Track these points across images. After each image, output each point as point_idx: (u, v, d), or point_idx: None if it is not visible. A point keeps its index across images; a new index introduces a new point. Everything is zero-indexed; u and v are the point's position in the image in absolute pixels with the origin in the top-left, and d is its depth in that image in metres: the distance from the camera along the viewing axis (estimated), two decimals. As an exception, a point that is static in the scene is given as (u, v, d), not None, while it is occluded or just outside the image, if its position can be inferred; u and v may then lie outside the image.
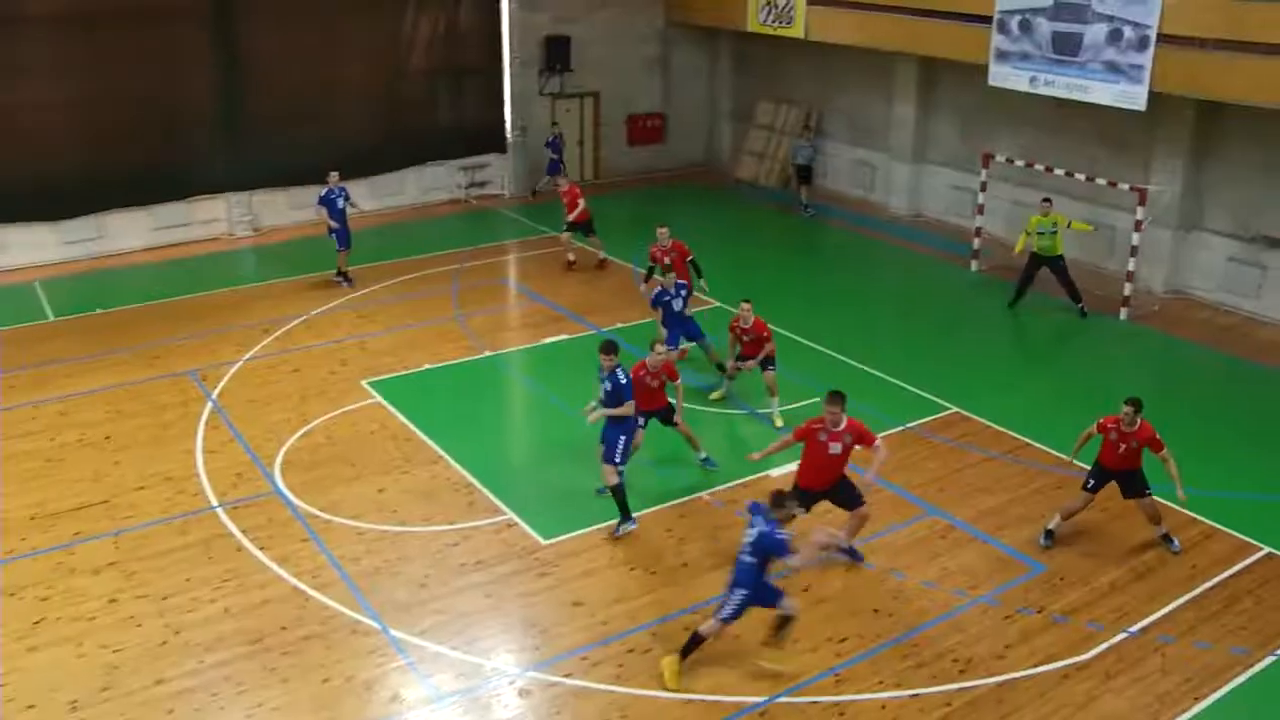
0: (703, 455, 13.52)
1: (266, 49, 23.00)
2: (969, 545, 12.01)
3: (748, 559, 9.73)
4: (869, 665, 10.14)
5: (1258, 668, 10.17)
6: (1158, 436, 11.55)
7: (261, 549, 11.82)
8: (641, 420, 12.70)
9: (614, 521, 12.19)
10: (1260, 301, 19.06)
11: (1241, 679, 10.02)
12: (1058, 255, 18.83)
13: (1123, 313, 18.96)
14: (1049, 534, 12.06)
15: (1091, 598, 11.14)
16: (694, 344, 15.89)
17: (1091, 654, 10.30)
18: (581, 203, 20.90)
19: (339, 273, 20.02)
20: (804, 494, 11.11)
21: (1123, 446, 11.63)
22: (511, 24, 25.90)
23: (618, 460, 12.05)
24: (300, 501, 12.75)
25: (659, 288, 15.61)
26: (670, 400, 13.06)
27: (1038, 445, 14.18)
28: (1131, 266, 18.91)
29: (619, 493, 12.08)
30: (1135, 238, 18.71)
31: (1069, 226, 18.81)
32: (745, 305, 14.60)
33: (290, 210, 24.10)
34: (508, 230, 24.11)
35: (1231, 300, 19.44)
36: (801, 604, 10.82)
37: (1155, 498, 11.91)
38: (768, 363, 14.65)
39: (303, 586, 11.18)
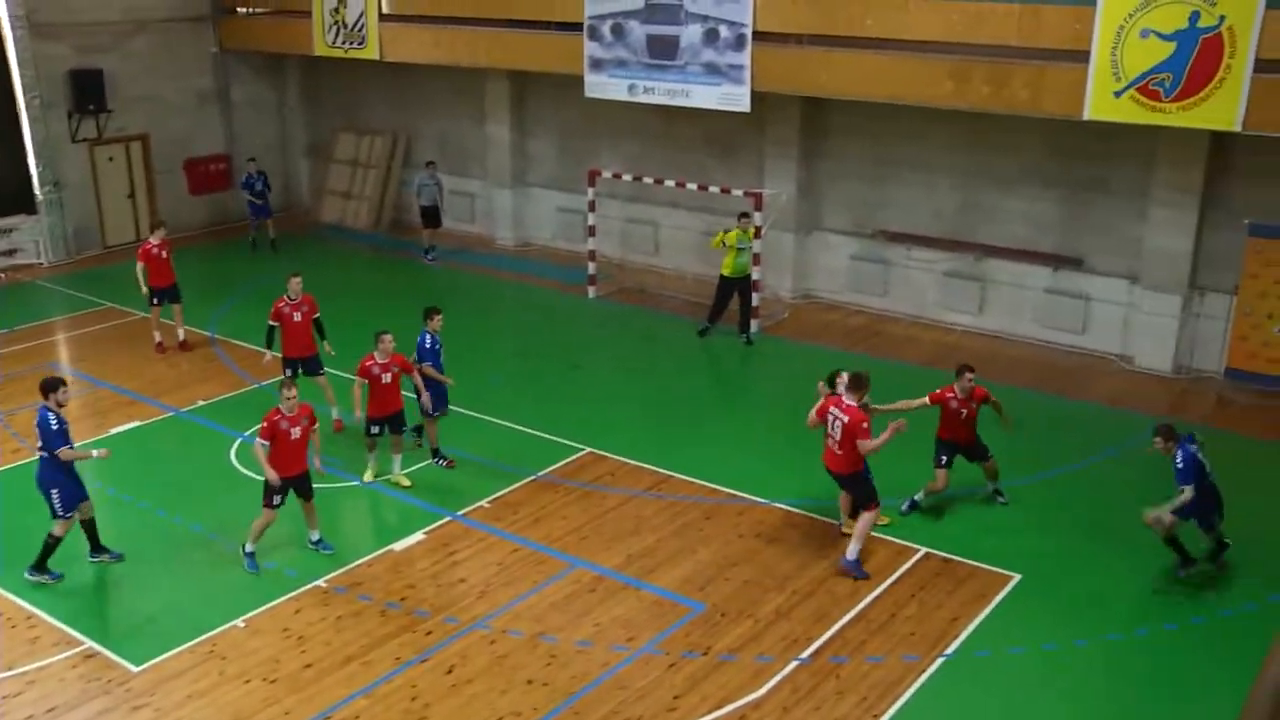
0: (316, 537, 13.08)
1: None
2: (621, 594, 12.21)
3: None
4: (533, 744, 10.04)
5: (930, 671, 10.95)
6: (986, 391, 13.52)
7: None
8: (278, 498, 12.58)
9: (216, 631, 11.50)
10: (888, 298, 20.81)
11: (916, 686, 10.74)
12: (747, 275, 19.52)
13: (754, 325, 20.06)
14: (914, 504, 13.69)
15: (757, 630, 11.60)
16: None
17: (765, 689, 10.70)
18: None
19: None
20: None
21: (964, 412, 13.45)
22: (21, 57, 24.03)
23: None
24: None
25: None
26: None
27: (679, 476, 14.71)
28: (756, 275, 20.07)
29: None
30: (757, 244, 19.89)
31: (756, 236, 19.48)
32: (386, 337, 14.38)
33: None
34: (51, 305, 22.29)
35: (860, 299, 21.11)
36: (444, 689, 10.64)
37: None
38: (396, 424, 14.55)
39: None
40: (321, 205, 28.27)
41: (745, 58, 18.88)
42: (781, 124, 20.88)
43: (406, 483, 14.47)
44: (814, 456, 13.20)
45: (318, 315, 16.18)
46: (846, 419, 12.27)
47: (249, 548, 12.75)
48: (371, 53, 24.08)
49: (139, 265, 19.04)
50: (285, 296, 15.97)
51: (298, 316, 15.95)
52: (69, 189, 25.10)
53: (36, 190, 24.65)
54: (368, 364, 14.20)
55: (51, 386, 12.41)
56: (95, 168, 25.61)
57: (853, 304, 21.12)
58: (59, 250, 25.00)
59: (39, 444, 12.42)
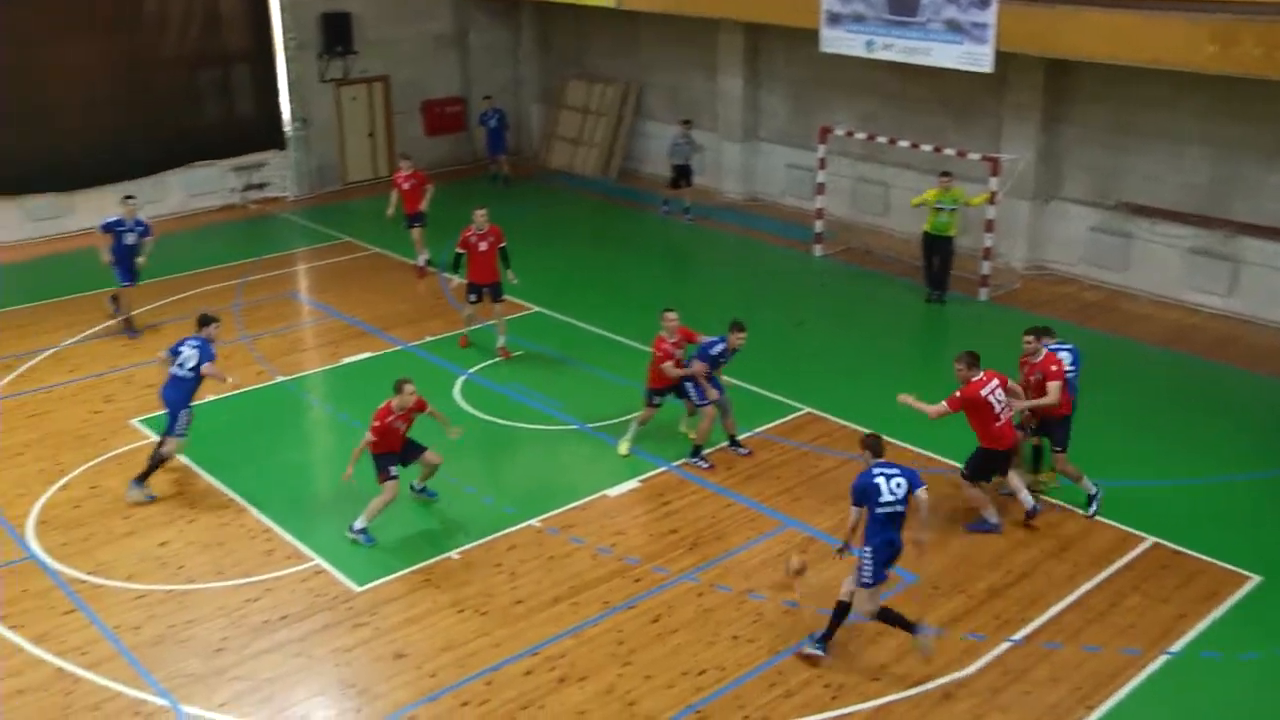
0: (422, 485, 13.38)
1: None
2: (832, 559, 12.16)
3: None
4: (732, 698, 10.17)
5: (1151, 668, 10.58)
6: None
7: (13, 628, 11.11)
8: (394, 469, 12.57)
9: (432, 560, 12.00)
10: (1128, 274, 20.01)
11: (1135, 682, 10.39)
12: (951, 236, 19.29)
13: (982, 293, 19.65)
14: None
15: (969, 605, 11.44)
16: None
17: (974, 667, 10.55)
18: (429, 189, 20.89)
19: (117, 311, 18.46)
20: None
21: (1032, 378, 12.90)
22: (281, 1, 25.29)
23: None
24: (62, 566, 12.06)
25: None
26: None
27: (897, 442, 14.39)
28: (988, 243, 19.62)
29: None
30: (990, 211, 19.42)
31: (967, 205, 19.30)
32: (670, 315, 13.99)
33: (26, 222, 22.99)
34: (294, 237, 23.49)
35: (1097, 273, 20.37)
36: (650, 637, 10.84)
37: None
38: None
39: (70, 667, 10.56)
40: (550, 151, 28.82)
41: (990, 15, 18.28)
42: (1023, 86, 20.20)
43: (624, 449, 14.35)
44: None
45: (503, 245, 17.08)
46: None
47: (359, 525, 12.61)
48: (608, 0, 24.32)
49: (393, 193, 20.85)
50: (472, 227, 17.03)
51: (483, 246, 17.02)
52: (315, 127, 26.31)
53: (286, 127, 25.96)
54: (666, 347, 13.88)
55: (205, 321, 13.87)
56: (340, 107, 26.73)
57: (1089, 278, 20.38)
58: (303, 185, 26.27)
59: (192, 363, 13.43)
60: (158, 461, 13.46)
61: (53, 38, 22.74)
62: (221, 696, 10.19)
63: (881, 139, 21.15)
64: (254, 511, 13.07)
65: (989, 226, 19.51)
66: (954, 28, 18.79)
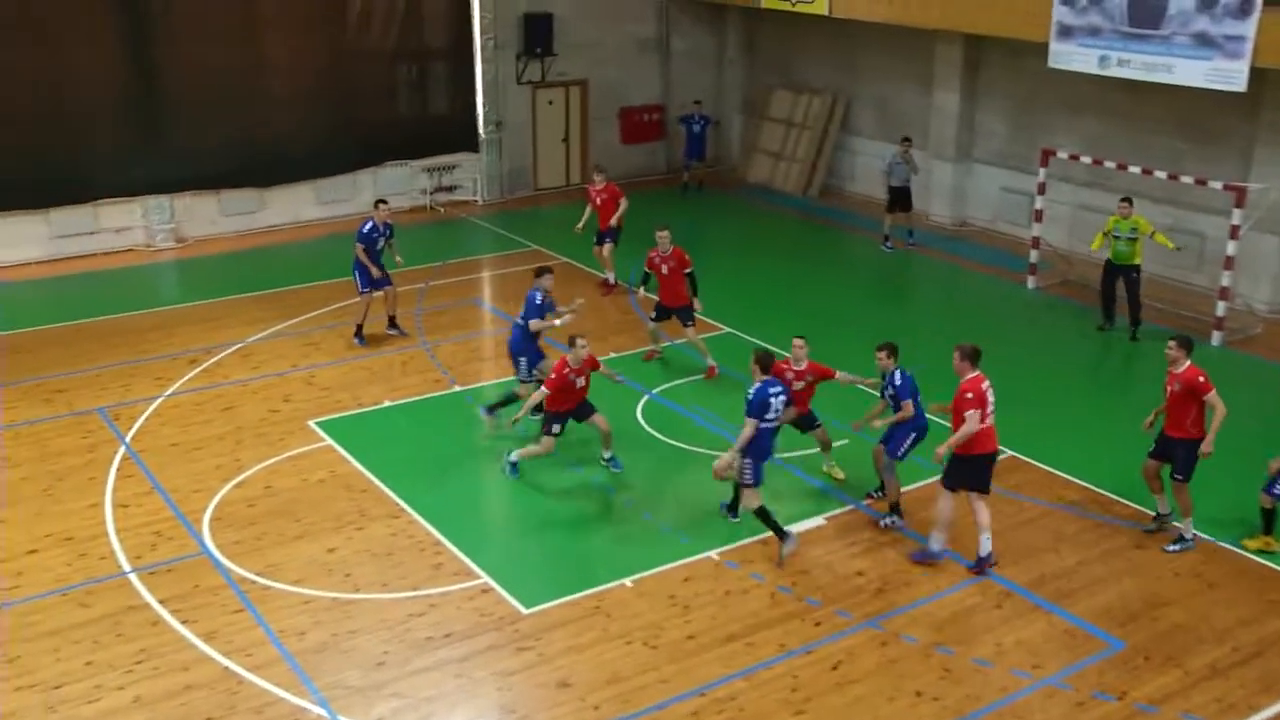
0: (609, 454, 14.39)
1: (183, 21, 22.88)
2: (1030, 615, 11.72)
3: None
4: (919, 761, 9.86)
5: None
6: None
7: (184, 622, 11.50)
8: (557, 427, 14.06)
9: (604, 587, 11.99)
10: (1398, 323, 18.86)
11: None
12: (1135, 265, 18.73)
13: (1215, 336, 18.73)
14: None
15: (1186, 683, 10.81)
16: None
17: (1191, 752, 10.01)
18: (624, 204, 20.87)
19: (390, 322, 18.84)
20: None
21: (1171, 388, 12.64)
22: (483, 0, 25.89)
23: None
24: (233, 565, 12.46)
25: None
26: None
27: (1111, 496, 13.96)
28: (1226, 281, 18.69)
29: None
30: (1231, 246, 18.49)
31: (1151, 236, 18.66)
32: (798, 343, 13.83)
33: (221, 218, 24.00)
34: (482, 243, 23.95)
35: (1356, 321, 19.25)
36: (827, 685, 10.60)
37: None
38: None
39: (235, 667, 10.86)
40: (750, 164, 28.76)
41: (1249, 27, 17.32)
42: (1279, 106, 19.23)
43: (840, 474, 14.40)
44: None
45: (689, 270, 17.04)
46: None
47: (514, 457, 14.33)
48: (820, 7, 24.11)
49: (586, 207, 21.11)
50: (656, 248, 17.15)
51: (665, 270, 17.11)
52: (509, 130, 26.83)
53: (480, 129, 26.51)
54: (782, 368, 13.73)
55: (539, 273, 15.47)
56: (535, 110, 27.19)
57: (1346, 325, 19.27)
58: (493, 189, 26.80)
59: (521, 314, 15.29)
60: (510, 398, 15.31)
61: (253, 34, 23.77)
62: (379, 711, 10.33)
63: (1109, 164, 20.38)
64: (424, 523, 13.26)
65: (1228, 264, 18.58)
66: (1204, 41, 17.94)
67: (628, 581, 12.20)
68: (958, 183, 24.97)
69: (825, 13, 24.06)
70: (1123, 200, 18.80)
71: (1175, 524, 13.04)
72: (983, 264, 22.62)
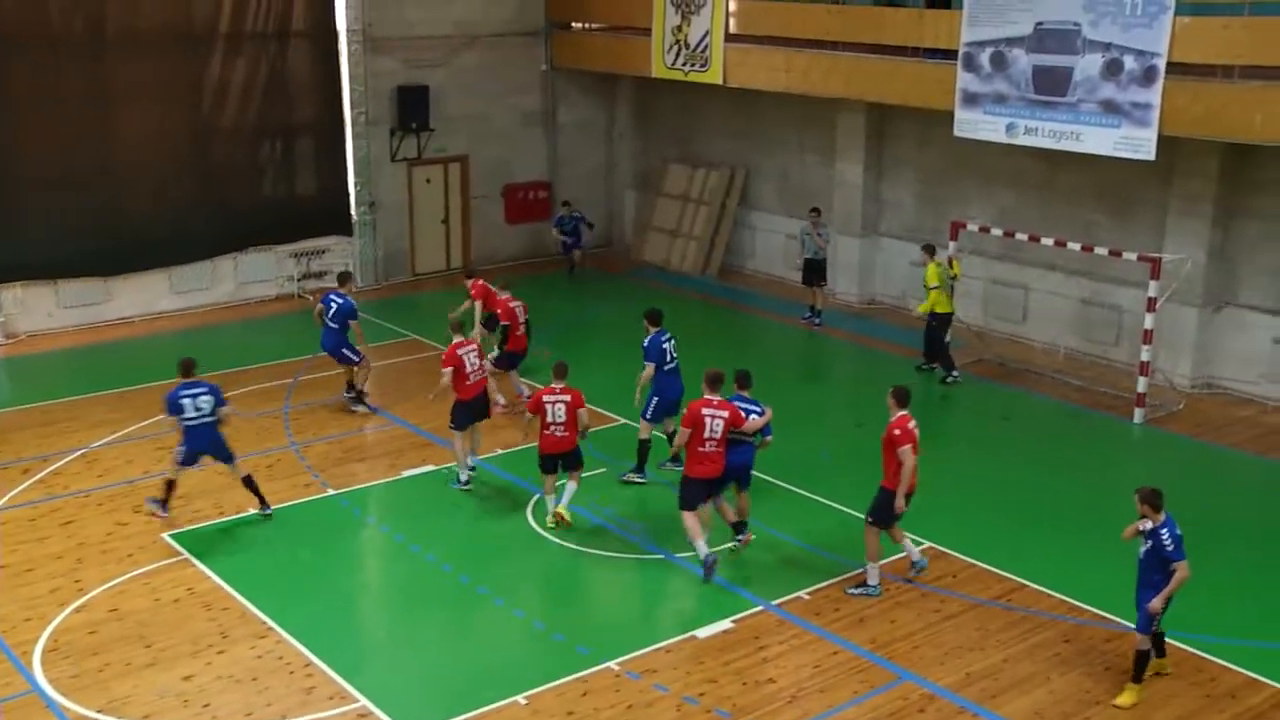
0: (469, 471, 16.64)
1: (18, 88, 22.46)
2: (957, 719, 11.79)
3: None
4: None
5: None
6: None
7: (13, 771, 11.08)
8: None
9: (495, 706, 11.82)
10: (1325, 393, 19.48)
11: None
12: (936, 313, 20.62)
13: (1138, 414, 19.17)
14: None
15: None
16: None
17: None
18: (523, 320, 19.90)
19: (353, 390, 19.61)
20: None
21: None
22: (353, 71, 25.91)
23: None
24: (69, 702, 11.93)
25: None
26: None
27: (1035, 586, 14.14)
28: (1145, 356, 19.17)
29: None
30: (1149, 320, 19.00)
31: (938, 287, 20.46)
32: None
33: (60, 310, 23.52)
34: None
35: (1281, 393, 19.86)
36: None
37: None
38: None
39: (74, 816, 10.45)
40: (645, 242, 28.99)
41: (1154, 94, 18.06)
42: (1194, 175, 19.86)
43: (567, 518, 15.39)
44: (1211, 581, 12.39)
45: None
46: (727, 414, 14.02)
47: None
48: (714, 77, 24.58)
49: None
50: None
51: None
52: (383, 210, 26.77)
53: (353, 210, 26.44)
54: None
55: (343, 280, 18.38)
56: (412, 189, 27.20)
57: (1272, 399, 19.80)
58: (367, 275, 26.63)
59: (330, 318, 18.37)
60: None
61: (100, 105, 23.35)
62: None
63: (1021, 235, 20.91)
64: (294, 642, 12.93)
65: (1146, 337, 19.07)
66: (1111, 109, 18.60)
67: (520, 699, 11.98)
68: (865, 258, 25.39)
69: (719, 82, 24.51)
70: (926, 246, 20.74)
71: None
72: (893, 343, 22.95)
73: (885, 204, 25.22)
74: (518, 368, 19.86)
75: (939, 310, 20.71)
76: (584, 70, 28.58)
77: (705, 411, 13.87)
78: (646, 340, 16.50)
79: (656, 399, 16.48)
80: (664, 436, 16.64)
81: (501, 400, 18.01)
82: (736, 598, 13.90)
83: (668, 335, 16.58)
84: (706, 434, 13.88)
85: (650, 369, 16.34)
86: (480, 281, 20.48)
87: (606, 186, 30.03)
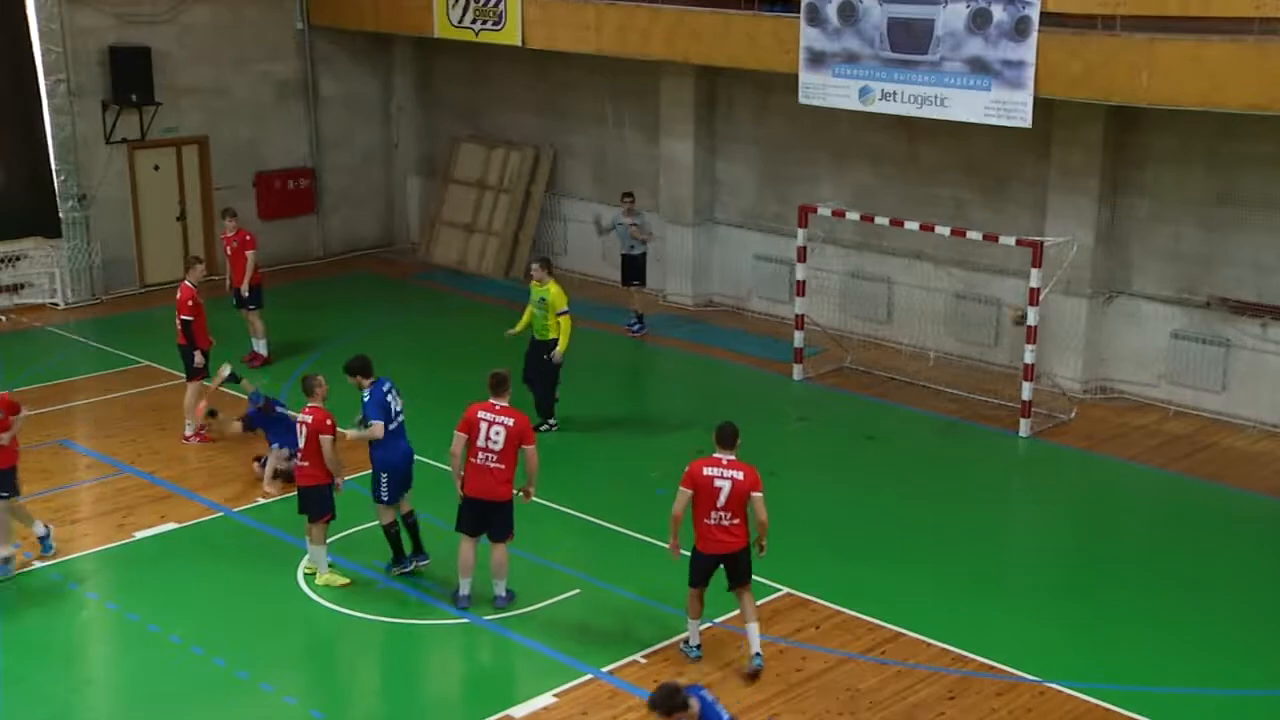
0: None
1: None
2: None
3: None
4: None
5: None
6: None
7: None
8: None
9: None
10: (1228, 395, 20.18)
11: None
12: (548, 340, 19.36)
13: (1023, 426, 19.66)
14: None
15: None
16: None
17: None
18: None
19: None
20: None
21: None
22: (44, 27, 25.05)
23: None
24: None
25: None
26: None
27: (911, 634, 14.36)
28: (1030, 358, 19.63)
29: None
30: (1032, 315, 19.48)
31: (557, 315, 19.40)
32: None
33: None
34: (69, 361, 23.19)
35: (1184, 395, 20.52)
36: None
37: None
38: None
39: None
40: (435, 241, 28.83)
41: (1028, 50, 18.56)
42: (1075, 145, 20.53)
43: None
44: (1113, 624, 12.73)
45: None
46: (741, 476, 13.34)
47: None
48: (511, 37, 24.58)
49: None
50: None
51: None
52: (99, 206, 26.10)
53: (58, 206, 25.68)
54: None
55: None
56: (135, 179, 26.67)
57: (1173, 402, 20.50)
58: (81, 288, 26.00)
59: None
60: None
61: None
62: None
63: (882, 219, 21.28)
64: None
65: (1030, 335, 19.54)
66: (980, 68, 19.03)
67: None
68: (699, 252, 25.64)
69: (517, 42, 24.54)
70: (541, 260, 19.87)
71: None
72: (737, 352, 23.22)
73: (721, 186, 25.50)
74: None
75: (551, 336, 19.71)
76: (350, 30, 28.38)
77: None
78: (366, 394, 15.15)
79: (386, 475, 15.24)
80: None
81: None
82: (558, 666, 13.85)
83: (388, 384, 15.41)
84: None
85: (378, 427, 15.05)
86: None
87: (385, 172, 29.85)
